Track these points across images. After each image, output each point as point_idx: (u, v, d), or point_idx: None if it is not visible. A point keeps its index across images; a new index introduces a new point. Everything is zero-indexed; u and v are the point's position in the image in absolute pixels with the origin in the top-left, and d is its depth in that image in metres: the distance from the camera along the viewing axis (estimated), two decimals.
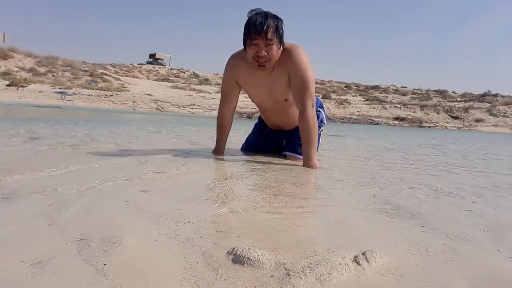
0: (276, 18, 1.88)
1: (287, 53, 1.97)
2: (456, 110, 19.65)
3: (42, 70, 19.98)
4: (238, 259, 0.73)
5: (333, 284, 0.67)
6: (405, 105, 20.30)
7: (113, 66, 29.52)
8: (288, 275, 0.68)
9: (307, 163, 2.00)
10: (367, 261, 0.75)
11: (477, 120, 18.78)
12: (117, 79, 22.25)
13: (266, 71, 2.00)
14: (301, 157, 2.15)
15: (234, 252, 0.76)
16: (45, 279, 0.63)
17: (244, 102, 18.35)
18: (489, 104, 21.28)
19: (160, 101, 16.51)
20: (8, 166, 1.53)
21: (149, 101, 16.25)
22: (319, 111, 2.36)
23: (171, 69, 36.59)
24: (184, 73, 34.99)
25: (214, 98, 18.36)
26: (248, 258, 0.73)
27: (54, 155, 1.89)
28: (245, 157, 2.29)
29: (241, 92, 2.29)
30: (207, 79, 32.08)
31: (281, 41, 1.91)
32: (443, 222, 1.10)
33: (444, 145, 4.97)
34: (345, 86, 29.64)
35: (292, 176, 1.72)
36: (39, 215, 0.94)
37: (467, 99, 24.26)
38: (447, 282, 0.71)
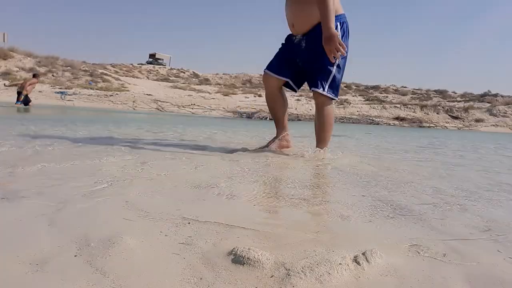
0: None
1: None
2: (456, 110, 19.64)
3: (42, 70, 19.95)
4: (238, 259, 0.73)
5: (333, 284, 0.67)
6: (405, 105, 20.29)
7: (113, 66, 29.50)
8: (288, 275, 0.68)
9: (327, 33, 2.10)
10: (367, 261, 0.75)
11: (477, 120, 18.76)
12: (117, 79, 22.23)
13: None
14: (325, 93, 2.32)
15: (234, 252, 0.76)
16: (45, 279, 0.63)
17: (245, 102, 18.33)
18: (489, 104, 21.26)
19: (160, 101, 16.51)
20: (8, 166, 1.53)
21: (149, 101, 16.25)
22: None
23: (171, 69, 36.57)
24: (184, 73, 34.97)
25: (214, 98, 18.36)
26: (248, 258, 0.73)
27: (54, 155, 1.89)
28: (245, 157, 2.29)
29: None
30: (207, 79, 32.08)
31: None
32: (443, 222, 1.10)
33: (444, 145, 4.97)
34: (345, 86, 29.62)
35: (292, 176, 1.72)
36: (39, 215, 0.94)
37: (467, 99, 24.23)
38: (447, 282, 0.71)
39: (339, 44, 2.11)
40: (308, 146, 2.73)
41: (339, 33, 2.26)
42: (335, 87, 2.38)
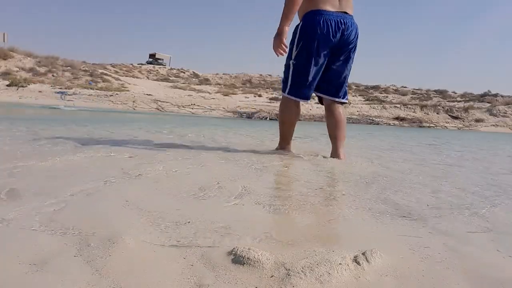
0: None
1: None
2: (456, 110, 19.63)
3: (42, 70, 19.96)
4: (238, 259, 0.73)
5: (333, 284, 0.67)
6: (405, 105, 20.27)
7: (113, 66, 29.49)
8: (288, 275, 0.68)
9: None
10: (367, 261, 0.75)
11: (477, 120, 18.75)
12: (117, 79, 22.22)
13: None
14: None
15: (234, 252, 0.76)
16: (45, 279, 0.63)
17: (245, 102, 18.32)
18: (489, 104, 21.25)
19: (160, 101, 16.50)
20: (9, 166, 1.53)
21: (149, 101, 16.23)
22: None
23: (171, 69, 36.57)
24: (184, 73, 34.96)
25: (214, 98, 18.34)
26: (248, 258, 0.73)
27: (55, 155, 1.89)
28: (245, 157, 2.29)
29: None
30: (207, 79, 32.09)
31: None
32: (443, 222, 1.10)
33: (444, 145, 4.97)
34: None
35: (292, 176, 1.72)
36: (39, 215, 0.94)
37: (467, 99, 24.21)
38: (447, 282, 0.71)
39: (277, 44, 2.13)
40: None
41: (298, 32, 2.23)
42: (284, 84, 2.37)
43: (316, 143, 3.84)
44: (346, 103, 2.43)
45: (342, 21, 2.16)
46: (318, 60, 2.19)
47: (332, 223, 1.05)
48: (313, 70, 2.21)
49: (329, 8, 2.14)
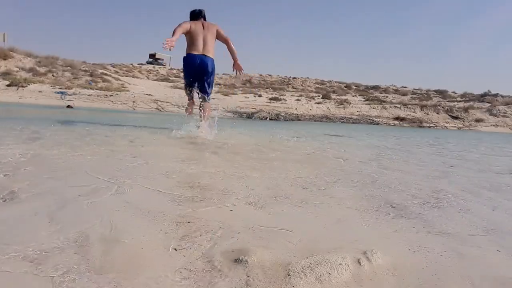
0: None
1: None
2: (456, 110, 19.64)
3: (42, 70, 19.94)
4: (238, 258, 0.73)
5: (333, 284, 0.67)
6: (405, 105, 20.27)
7: (113, 66, 29.49)
8: (288, 275, 0.68)
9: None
10: (368, 261, 0.75)
11: (477, 120, 18.76)
12: (117, 79, 22.20)
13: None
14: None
15: (234, 251, 0.76)
16: (45, 277, 0.63)
17: (245, 102, 18.33)
18: (489, 104, 21.26)
19: (160, 101, 16.49)
20: (10, 166, 1.53)
21: (149, 101, 16.23)
22: None
23: (171, 69, 36.56)
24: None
25: (214, 98, 18.33)
26: (248, 257, 0.73)
27: (55, 155, 1.89)
28: (244, 157, 2.29)
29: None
30: None
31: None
32: (443, 222, 1.10)
33: (444, 145, 4.96)
34: (345, 86, 29.62)
35: (291, 176, 1.72)
36: (39, 213, 0.95)
37: (467, 99, 24.22)
38: (447, 282, 0.71)
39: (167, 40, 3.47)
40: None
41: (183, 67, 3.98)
42: None
43: (318, 142, 3.84)
44: (208, 100, 3.95)
45: (201, 58, 3.78)
46: (191, 76, 3.84)
47: (332, 223, 1.05)
48: (190, 82, 3.85)
49: (194, 52, 3.78)
